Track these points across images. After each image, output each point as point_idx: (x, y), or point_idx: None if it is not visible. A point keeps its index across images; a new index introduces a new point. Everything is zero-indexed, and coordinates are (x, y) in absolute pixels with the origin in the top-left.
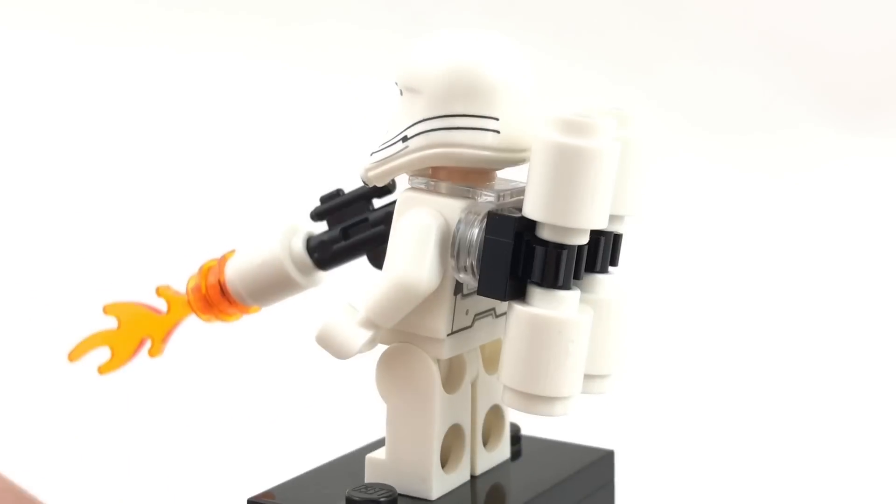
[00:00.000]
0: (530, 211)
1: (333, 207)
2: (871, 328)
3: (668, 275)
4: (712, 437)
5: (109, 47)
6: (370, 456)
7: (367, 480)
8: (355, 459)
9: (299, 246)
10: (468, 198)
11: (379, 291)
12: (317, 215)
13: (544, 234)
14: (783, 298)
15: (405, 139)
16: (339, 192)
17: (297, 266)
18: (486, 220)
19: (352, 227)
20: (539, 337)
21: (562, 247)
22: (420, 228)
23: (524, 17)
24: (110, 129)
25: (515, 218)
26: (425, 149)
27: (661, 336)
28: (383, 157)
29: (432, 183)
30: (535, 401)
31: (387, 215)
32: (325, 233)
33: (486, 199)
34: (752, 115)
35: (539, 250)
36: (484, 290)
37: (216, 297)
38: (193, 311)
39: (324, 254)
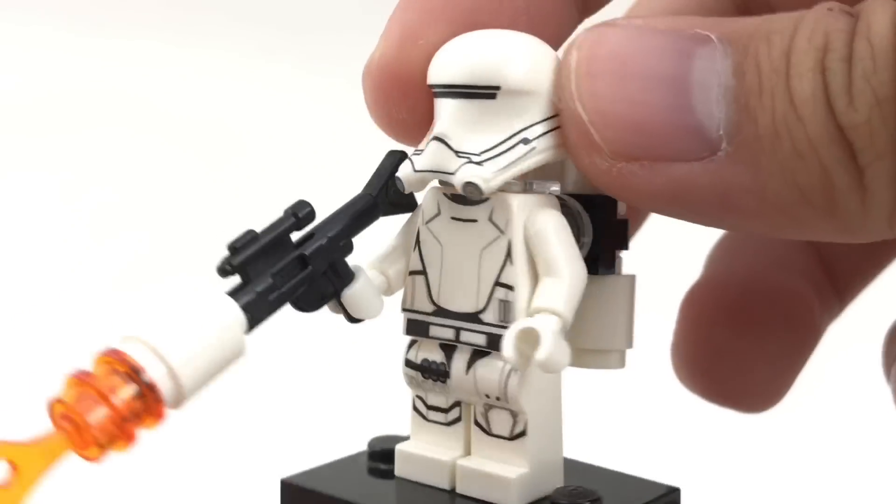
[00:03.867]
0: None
1: (255, 254)
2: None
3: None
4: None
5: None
6: None
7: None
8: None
9: (239, 312)
10: (545, 192)
11: (572, 294)
12: (232, 267)
13: (621, 211)
14: None
15: (526, 141)
16: (253, 235)
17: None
18: (582, 205)
19: (283, 270)
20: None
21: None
22: (565, 227)
23: None
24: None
25: (606, 197)
26: (551, 148)
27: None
28: (507, 162)
29: (525, 182)
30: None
31: (319, 250)
32: (254, 284)
33: (554, 189)
34: None
35: (622, 225)
36: (604, 265)
37: (136, 411)
38: (80, 447)
39: (259, 309)
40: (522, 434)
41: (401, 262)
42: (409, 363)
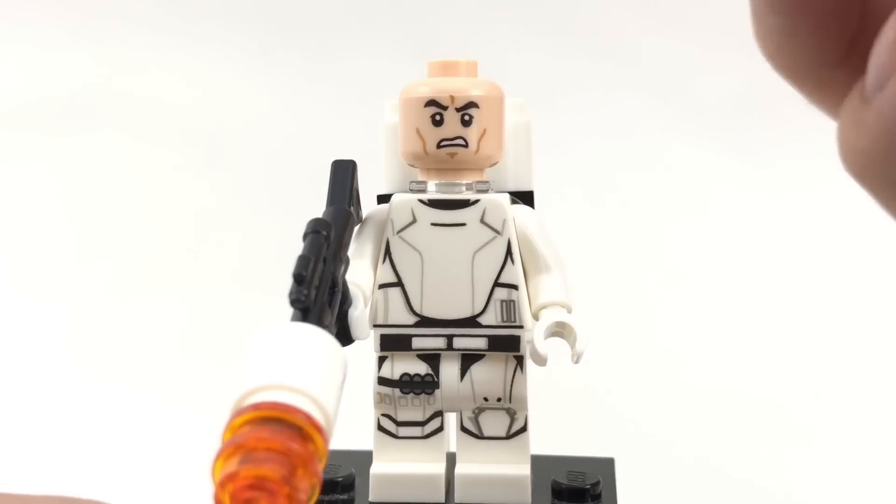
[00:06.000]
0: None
1: (318, 285)
2: (866, 314)
3: (663, 270)
4: (712, 441)
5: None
6: None
7: None
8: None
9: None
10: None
11: (568, 284)
12: (306, 299)
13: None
14: (780, 292)
15: None
16: (309, 261)
17: None
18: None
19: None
20: None
21: None
22: (541, 221)
23: (519, 11)
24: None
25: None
26: None
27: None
28: None
29: (488, 183)
30: None
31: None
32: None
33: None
34: (748, 106)
35: None
36: None
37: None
38: None
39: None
40: (523, 430)
41: (370, 276)
42: (383, 381)
